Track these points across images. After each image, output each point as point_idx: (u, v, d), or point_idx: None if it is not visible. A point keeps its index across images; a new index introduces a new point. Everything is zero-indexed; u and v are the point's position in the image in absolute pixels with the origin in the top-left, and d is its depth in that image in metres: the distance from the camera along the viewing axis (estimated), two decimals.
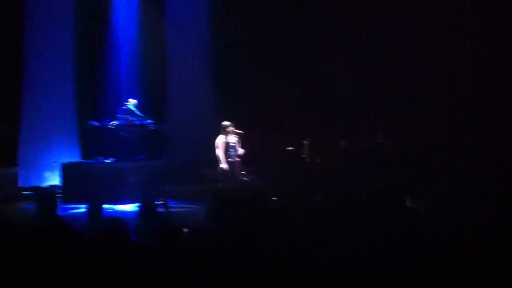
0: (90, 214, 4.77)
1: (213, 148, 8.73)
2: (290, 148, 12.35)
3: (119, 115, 10.90)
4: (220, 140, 8.17)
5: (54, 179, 10.82)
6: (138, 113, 11.02)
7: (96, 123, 10.82)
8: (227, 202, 5.53)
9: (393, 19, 11.54)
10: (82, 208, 8.37)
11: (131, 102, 10.96)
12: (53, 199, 4.44)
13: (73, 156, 11.27)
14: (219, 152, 8.13)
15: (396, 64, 11.71)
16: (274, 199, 5.15)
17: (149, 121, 11.08)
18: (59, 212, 4.83)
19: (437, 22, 10.06)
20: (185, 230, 4.84)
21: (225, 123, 8.29)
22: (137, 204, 8.73)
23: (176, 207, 8.32)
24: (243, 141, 8.47)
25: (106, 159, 10.80)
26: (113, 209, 8.68)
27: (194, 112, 12.35)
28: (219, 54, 12.72)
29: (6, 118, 11.01)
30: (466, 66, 9.17)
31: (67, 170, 10.44)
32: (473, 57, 9.10)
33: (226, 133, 8.19)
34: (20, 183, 10.59)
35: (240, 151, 8.27)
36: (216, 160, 8.41)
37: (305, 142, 12.06)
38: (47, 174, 11.04)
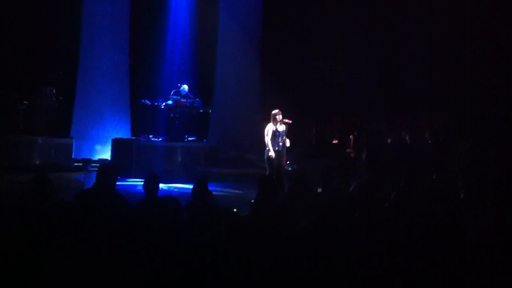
0: (146, 190, 4.89)
1: (258, 134, 8.81)
2: (335, 142, 12.28)
3: (171, 97, 11.16)
4: (269, 128, 8.25)
5: (104, 153, 11.21)
6: (190, 95, 11.24)
7: (148, 102, 11.11)
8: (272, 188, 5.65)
9: None
10: (125, 182, 8.76)
11: (184, 87, 11.18)
12: (115, 173, 4.62)
13: (123, 132, 11.63)
14: (268, 140, 8.21)
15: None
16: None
17: (199, 103, 11.29)
18: None
19: None
20: (234, 210, 5.00)
21: (275, 111, 8.33)
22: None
23: (218, 190, 8.41)
24: (290, 129, 8.50)
25: (155, 138, 11.10)
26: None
27: (241, 98, 12.48)
28: (269, 42, 12.79)
29: (63, 90, 11.41)
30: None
31: (117, 145, 10.79)
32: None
33: (276, 122, 8.25)
34: (73, 154, 11.01)
35: (287, 142, 8.33)
36: (261, 147, 8.50)
37: (350, 136, 11.97)
38: (98, 147, 11.43)
